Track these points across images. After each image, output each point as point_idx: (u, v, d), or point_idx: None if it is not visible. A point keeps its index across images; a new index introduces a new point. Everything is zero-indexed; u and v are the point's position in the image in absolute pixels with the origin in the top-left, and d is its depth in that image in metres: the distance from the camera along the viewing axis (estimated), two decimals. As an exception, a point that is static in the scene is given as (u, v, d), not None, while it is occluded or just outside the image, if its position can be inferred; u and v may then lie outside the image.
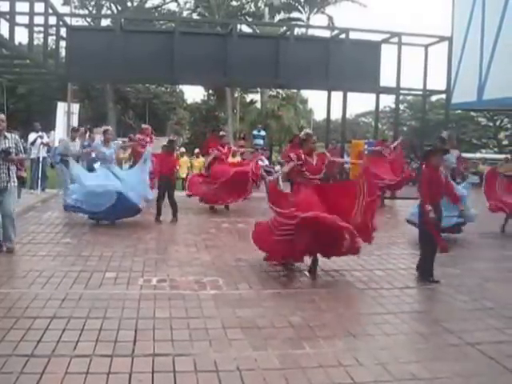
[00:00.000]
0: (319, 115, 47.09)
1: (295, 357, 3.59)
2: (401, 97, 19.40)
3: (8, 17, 10.18)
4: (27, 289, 4.95)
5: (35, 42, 14.09)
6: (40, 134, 12.35)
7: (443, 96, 17.05)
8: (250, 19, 33.36)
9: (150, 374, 3.28)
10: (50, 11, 11.92)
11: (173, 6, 35.76)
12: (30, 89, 31.76)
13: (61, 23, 12.91)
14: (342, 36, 14.12)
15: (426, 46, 14.82)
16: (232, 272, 5.78)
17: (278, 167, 14.61)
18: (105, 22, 30.27)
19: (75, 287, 5.03)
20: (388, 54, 14.63)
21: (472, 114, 32.61)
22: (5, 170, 6.13)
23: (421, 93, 15.98)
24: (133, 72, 13.45)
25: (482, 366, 3.58)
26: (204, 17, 32.93)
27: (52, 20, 12.32)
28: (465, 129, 36.18)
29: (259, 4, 34.33)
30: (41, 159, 12.01)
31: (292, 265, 5.99)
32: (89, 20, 31.66)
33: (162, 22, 31.72)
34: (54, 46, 14.03)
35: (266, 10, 32.83)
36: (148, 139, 10.96)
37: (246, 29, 28.71)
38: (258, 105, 35.21)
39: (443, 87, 15.22)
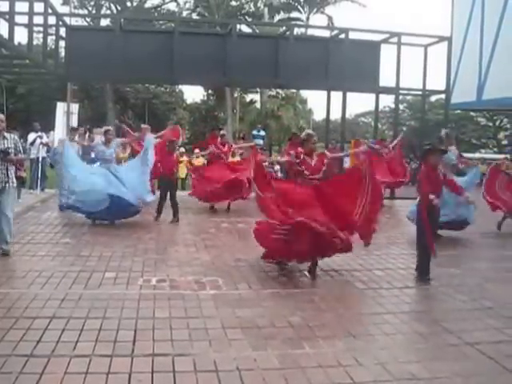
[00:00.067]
0: (319, 115, 47.19)
1: (295, 357, 3.59)
2: (400, 97, 19.40)
3: (7, 16, 10.16)
4: (26, 289, 4.94)
5: (34, 42, 14.05)
6: (39, 134, 12.33)
7: (443, 96, 17.07)
8: (249, 19, 33.43)
9: (150, 373, 3.28)
10: (50, 11, 11.93)
11: (172, 6, 35.87)
12: (29, 89, 31.76)
13: (60, 23, 12.92)
14: (342, 36, 14.13)
15: (426, 46, 14.84)
16: (231, 272, 5.77)
17: (277, 167, 14.64)
18: (104, 22, 30.33)
19: (75, 287, 5.03)
20: (387, 53, 14.66)
21: (471, 113, 32.67)
22: (3, 171, 6.09)
23: (420, 93, 15.99)
24: (132, 72, 13.46)
25: (482, 366, 3.58)
26: (203, 17, 32.97)
27: (51, 20, 12.32)
28: (464, 129, 36.25)
29: (259, 4, 34.40)
30: (40, 159, 12.01)
31: (286, 264, 5.98)
32: (88, 20, 31.70)
33: (161, 21, 31.77)
34: (53, 46, 13.99)
35: (266, 9, 32.89)
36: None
37: (245, 29, 28.78)
38: (258, 105, 35.27)
39: (443, 87, 15.23)
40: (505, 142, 36.23)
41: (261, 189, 5.74)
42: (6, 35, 9.86)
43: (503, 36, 16.25)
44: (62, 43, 14.07)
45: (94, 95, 34.46)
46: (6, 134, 6.19)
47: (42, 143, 12.05)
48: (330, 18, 33.64)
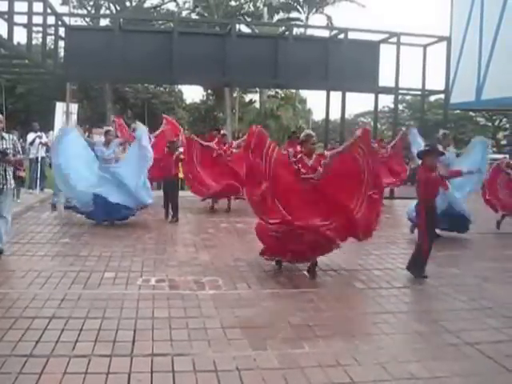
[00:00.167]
0: (318, 115, 47.25)
1: (294, 356, 3.59)
2: (399, 97, 19.41)
3: (6, 16, 10.16)
4: (26, 289, 4.94)
5: (34, 42, 14.02)
6: (39, 133, 12.34)
7: (442, 96, 17.07)
8: (248, 19, 33.41)
9: (149, 373, 3.27)
10: (49, 11, 11.92)
11: (171, 6, 35.83)
12: (28, 89, 31.72)
13: (59, 23, 12.92)
14: (341, 36, 14.13)
15: (425, 46, 14.83)
16: (231, 272, 5.77)
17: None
18: (103, 22, 30.26)
19: (74, 287, 5.03)
20: (387, 53, 14.67)
21: (471, 113, 32.69)
22: (2, 172, 6.04)
23: (419, 93, 16.00)
24: (131, 72, 13.46)
25: (481, 366, 3.58)
26: (203, 17, 32.96)
27: (51, 20, 12.32)
28: (463, 129, 36.26)
29: (258, 4, 34.39)
30: (39, 159, 12.01)
31: (281, 263, 5.97)
32: (87, 20, 31.66)
33: (160, 21, 31.75)
34: (52, 46, 14.01)
35: (265, 9, 32.87)
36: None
37: (244, 29, 28.79)
38: (257, 105, 35.26)
39: (442, 87, 15.24)
40: (504, 142, 36.24)
41: (250, 188, 5.73)
42: (5, 35, 9.86)
43: (502, 36, 16.27)
44: (62, 43, 14.04)
45: (93, 95, 34.43)
46: (4, 134, 6.15)
47: (41, 143, 12.06)
48: (329, 18, 33.67)
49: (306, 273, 5.77)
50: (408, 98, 37.69)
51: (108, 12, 33.76)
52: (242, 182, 9.24)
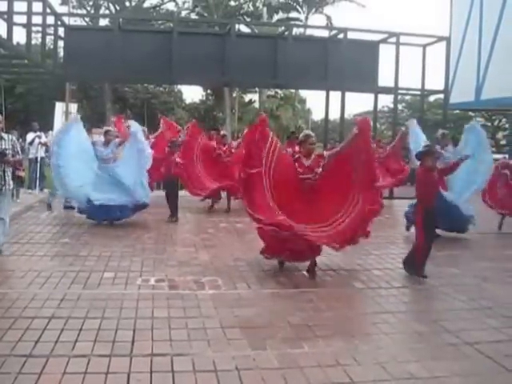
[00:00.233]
0: (317, 115, 47.26)
1: (294, 356, 3.59)
2: (399, 97, 19.43)
3: (6, 16, 10.16)
4: (25, 289, 4.94)
5: (33, 42, 14.07)
6: (38, 133, 12.35)
7: (441, 96, 17.10)
8: (248, 19, 33.38)
9: (149, 373, 3.27)
10: (48, 11, 11.92)
11: (171, 6, 35.76)
12: (28, 89, 31.67)
13: (59, 23, 12.91)
14: (340, 36, 14.14)
15: (424, 46, 14.84)
16: (230, 272, 5.77)
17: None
18: (103, 22, 30.19)
19: (73, 287, 5.03)
20: (386, 53, 14.67)
21: (470, 113, 32.65)
22: (0, 173, 6.04)
23: (419, 93, 16.01)
24: (131, 72, 13.46)
25: (480, 366, 3.58)
26: (202, 17, 32.92)
27: (50, 20, 12.32)
28: (463, 129, 36.19)
29: (257, 4, 34.34)
30: (39, 159, 12.01)
31: (283, 263, 5.97)
32: (87, 20, 31.61)
33: (160, 21, 31.71)
34: (52, 46, 14.02)
35: (265, 9, 32.84)
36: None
37: (244, 29, 28.76)
38: (257, 105, 35.22)
39: (441, 87, 15.25)
40: (503, 142, 36.25)
41: (244, 167, 5.75)
42: (4, 35, 9.87)
43: (502, 36, 16.30)
44: (61, 43, 14.05)
45: (92, 95, 34.38)
46: (3, 134, 6.14)
47: (40, 143, 12.06)
48: (328, 18, 33.64)
49: (305, 273, 5.77)
50: (407, 97, 37.70)
51: (107, 12, 33.70)
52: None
